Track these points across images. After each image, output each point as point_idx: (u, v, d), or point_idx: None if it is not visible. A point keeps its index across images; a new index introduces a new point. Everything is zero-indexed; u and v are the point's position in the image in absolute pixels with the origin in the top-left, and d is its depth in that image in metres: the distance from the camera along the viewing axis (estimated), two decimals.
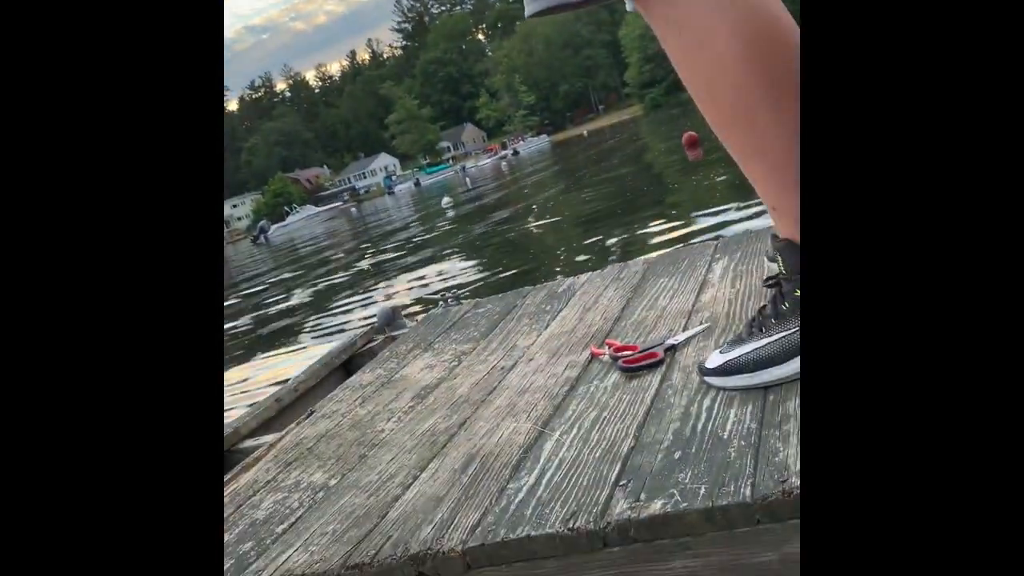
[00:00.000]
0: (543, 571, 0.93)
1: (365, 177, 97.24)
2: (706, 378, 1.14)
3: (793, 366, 1.05)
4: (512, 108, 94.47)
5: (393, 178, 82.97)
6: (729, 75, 0.98)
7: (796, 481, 0.83)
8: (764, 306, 1.12)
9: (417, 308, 6.67)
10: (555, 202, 14.21)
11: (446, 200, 23.15)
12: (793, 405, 0.99)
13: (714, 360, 1.14)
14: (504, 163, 54.20)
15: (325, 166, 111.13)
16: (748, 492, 0.85)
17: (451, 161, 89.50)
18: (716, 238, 2.01)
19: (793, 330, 1.05)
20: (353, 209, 57.83)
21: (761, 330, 1.09)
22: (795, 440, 0.91)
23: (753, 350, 1.08)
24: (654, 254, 2.03)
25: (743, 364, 1.08)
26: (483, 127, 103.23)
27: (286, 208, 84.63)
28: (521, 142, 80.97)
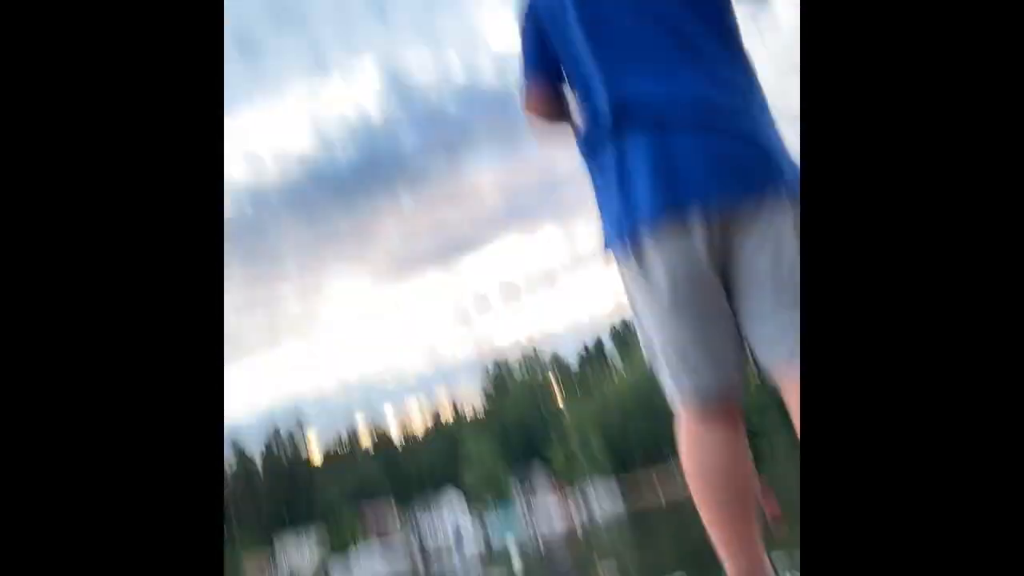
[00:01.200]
0: None
1: (432, 522, 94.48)
2: None
3: None
4: (583, 449, 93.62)
5: (461, 530, 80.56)
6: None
7: None
8: None
9: None
10: None
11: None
12: None
13: None
14: (579, 527, 52.15)
15: (393, 501, 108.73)
16: None
17: (518, 495, 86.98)
18: None
19: None
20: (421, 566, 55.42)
21: None
22: None
23: None
24: None
25: None
26: (552, 467, 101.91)
27: (351, 542, 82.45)
28: (590, 491, 78.76)
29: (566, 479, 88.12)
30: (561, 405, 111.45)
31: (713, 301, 1.57)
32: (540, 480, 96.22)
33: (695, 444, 1.64)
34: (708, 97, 1.54)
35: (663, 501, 65.70)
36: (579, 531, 48.12)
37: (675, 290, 1.55)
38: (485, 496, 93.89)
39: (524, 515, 61.50)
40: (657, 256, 1.54)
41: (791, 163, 1.55)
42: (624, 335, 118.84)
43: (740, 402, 1.66)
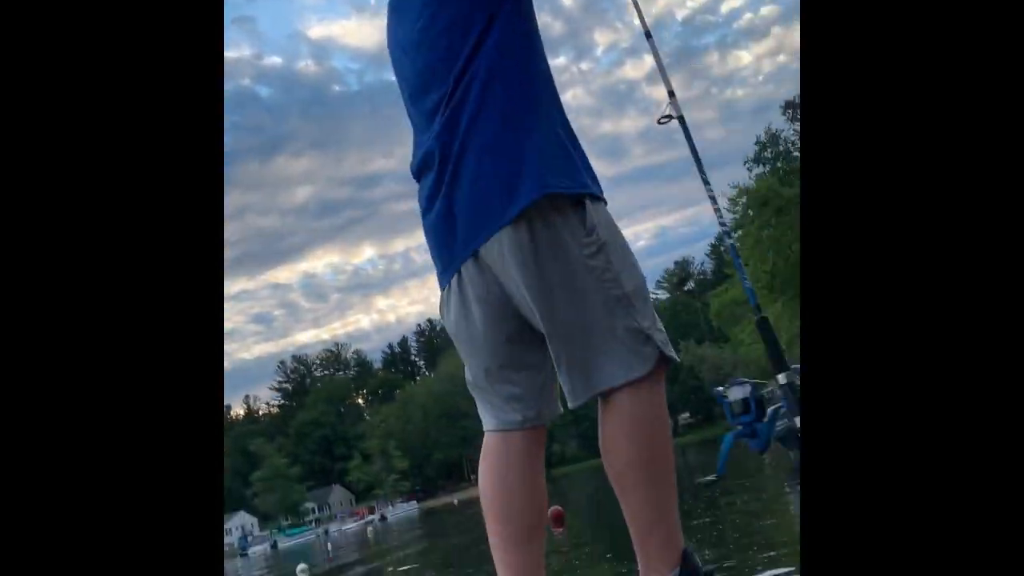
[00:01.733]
0: None
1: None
2: None
3: None
4: (384, 472, 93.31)
5: (249, 539, 77.66)
6: (667, 441, 1.66)
7: None
8: None
9: None
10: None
11: (301, 568, 21.67)
12: None
13: None
14: (370, 529, 52.01)
15: None
16: None
17: (314, 523, 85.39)
18: None
19: None
20: None
21: None
22: None
23: None
24: None
25: None
26: (353, 490, 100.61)
27: None
28: (390, 508, 78.83)
29: (366, 504, 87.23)
30: (363, 406, 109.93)
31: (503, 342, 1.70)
32: (338, 504, 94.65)
33: (489, 461, 1.75)
34: (456, 144, 1.62)
35: (455, 501, 67.09)
36: (370, 531, 47.91)
37: (465, 334, 1.72)
38: (278, 517, 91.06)
39: (317, 537, 60.56)
40: (452, 301, 1.71)
41: (538, 179, 1.58)
42: (430, 335, 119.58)
43: (542, 426, 1.76)
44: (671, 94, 1.32)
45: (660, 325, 1.67)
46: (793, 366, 4.01)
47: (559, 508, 14.96)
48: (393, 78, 1.82)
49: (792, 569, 5.98)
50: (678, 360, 1.69)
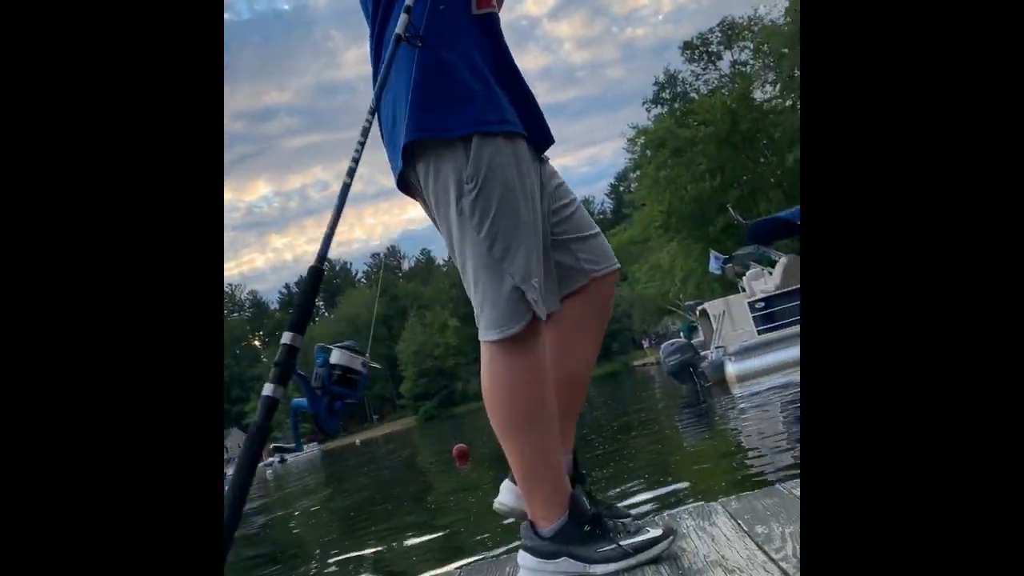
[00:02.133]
0: None
1: None
2: None
3: None
4: (283, 415, 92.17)
5: None
6: (536, 401, 1.57)
7: None
8: None
9: None
10: (319, 508, 13.54)
11: None
12: None
13: None
14: (270, 471, 51.61)
15: None
16: None
17: None
18: (459, 568, 2.04)
19: None
20: None
21: None
22: None
23: None
24: None
25: None
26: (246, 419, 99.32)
27: None
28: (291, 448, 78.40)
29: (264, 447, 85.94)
30: (260, 347, 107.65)
31: None
32: (236, 447, 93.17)
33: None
34: (377, 73, 1.58)
35: (357, 441, 67.17)
36: (270, 474, 47.57)
37: None
38: None
39: None
40: None
41: (412, 122, 1.53)
42: (330, 276, 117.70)
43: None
44: (407, 9, 1.25)
45: (538, 280, 1.55)
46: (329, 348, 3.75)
47: (464, 446, 15.29)
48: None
49: (686, 486, 6.29)
50: (544, 319, 1.57)
